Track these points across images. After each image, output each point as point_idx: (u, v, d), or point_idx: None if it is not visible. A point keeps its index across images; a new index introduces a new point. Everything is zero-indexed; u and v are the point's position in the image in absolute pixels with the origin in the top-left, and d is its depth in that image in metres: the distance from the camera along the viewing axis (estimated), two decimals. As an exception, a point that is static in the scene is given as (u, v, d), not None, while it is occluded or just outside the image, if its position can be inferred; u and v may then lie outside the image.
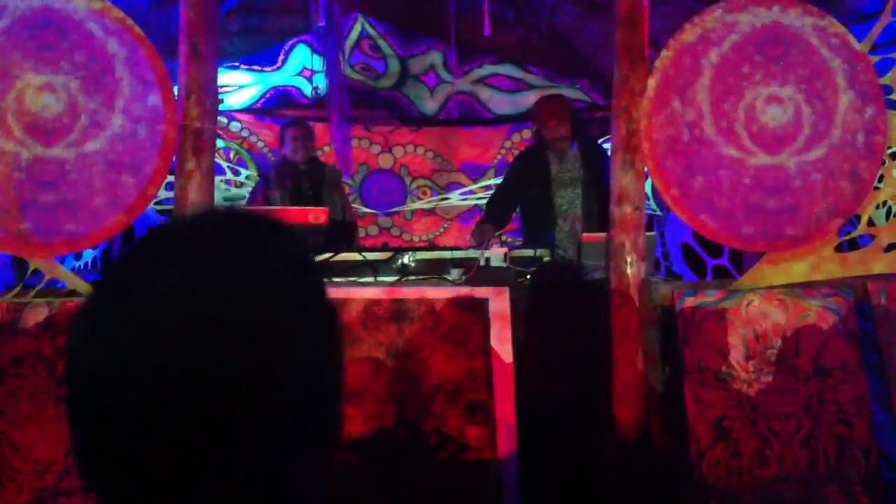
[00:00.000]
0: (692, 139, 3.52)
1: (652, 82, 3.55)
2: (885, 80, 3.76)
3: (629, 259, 3.52)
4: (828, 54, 3.63)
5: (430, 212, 7.38)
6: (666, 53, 3.58)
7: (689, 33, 3.58)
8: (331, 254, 3.75)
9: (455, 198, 7.37)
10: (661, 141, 3.51)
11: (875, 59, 3.79)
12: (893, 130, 3.75)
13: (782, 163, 3.58)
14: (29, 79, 3.26)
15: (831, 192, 3.60)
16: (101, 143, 3.34)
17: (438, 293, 3.47)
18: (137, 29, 3.47)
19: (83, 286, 3.25)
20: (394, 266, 3.81)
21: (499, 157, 7.45)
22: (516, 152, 7.37)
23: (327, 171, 5.46)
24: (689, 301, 3.50)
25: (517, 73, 7.41)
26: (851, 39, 3.69)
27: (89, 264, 5.69)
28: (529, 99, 7.44)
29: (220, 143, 6.61)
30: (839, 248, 3.75)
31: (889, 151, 3.79)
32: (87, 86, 3.34)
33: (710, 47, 3.57)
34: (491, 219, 5.13)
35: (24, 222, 3.20)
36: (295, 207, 4.40)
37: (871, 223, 3.83)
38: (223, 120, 6.84)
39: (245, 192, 6.82)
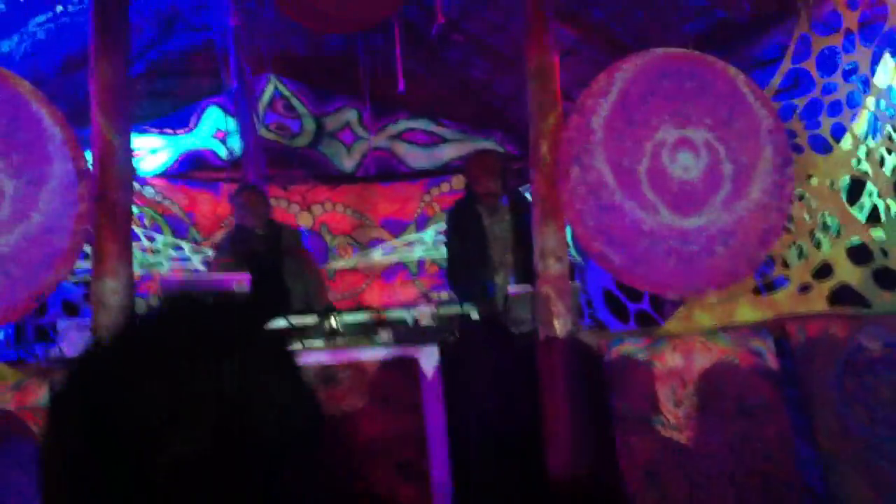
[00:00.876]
0: (599, 200, 3.59)
1: (560, 145, 3.64)
2: (788, 126, 3.92)
3: (555, 310, 3.55)
4: (751, 100, 3.76)
5: (353, 269, 7.33)
6: (568, 117, 3.68)
7: (585, 94, 3.68)
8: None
9: (377, 254, 7.34)
10: (575, 199, 3.58)
11: (778, 104, 3.94)
12: (798, 174, 3.90)
13: (698, 223, 3.67)
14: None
15: (746, 238, 3.70)
16: (18, 222, 3.24)
17: (367, 355, 3.44)
18: (46, 99, 3.40)
19: (4, 371, 3.14)
20: (322, 330, 3.77)
21: (419, 211, 7.47)
22: (435, 206, 7.42)
23: (284, 233, 5.35)
24: (616, 350, 3.54)
25: (432, 126, 7.49)
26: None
27: (2, 341, 5.48)
28: (445, 152, 7.51)
29: (134, 210, 6.46)
30: (756, 291, 3.86)
31: (796, 193, 3.93)
32: (6, 164, 3.25)
33: (599, 100, 3.66)
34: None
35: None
36: (218, 275, 4.31)
37: (785, 265, 3.96)
38: (136, 185, 6.71)
39: (161, 258, 6.67)
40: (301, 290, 4.96)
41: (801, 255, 4.07)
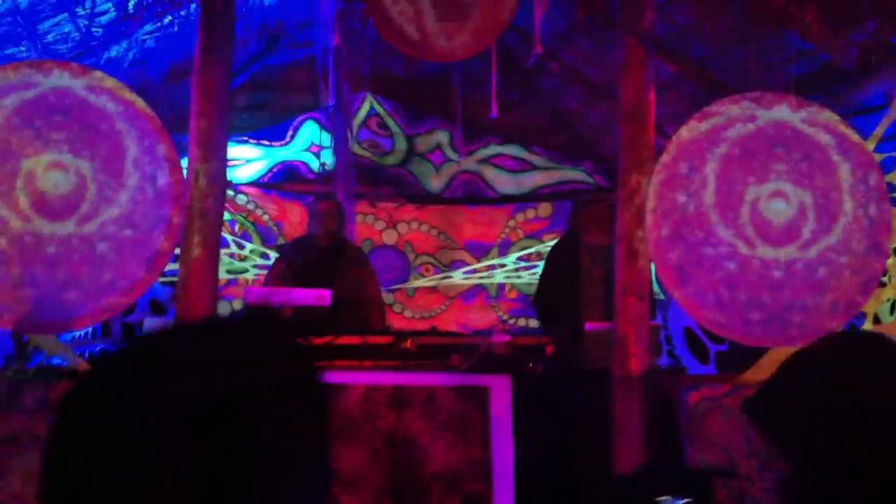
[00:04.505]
0: (695, 234, 3.53)
1: (655, 178, 3.58)
2: (889, 178, 3.80)
3: (632, 350, 3.50)
4: (836, 158, 3.66)
5: (433, 289, 7.35)
6: (668, 150, 3.62)
7: (688, 131, 3.62)
8: (331, 337, 3.73)
9: (458, 276, 7.35)
10: (665, 235, 3.52)
11: (881, 156, 3.83)
12: (897, 228, 3.77)
13: (787, 257, 3.58)
14: (38, 159, 3.29)
15: (837, 288, 3.59)
16: (107, 223, 3.36)
17: (439, 380, 3.44)
18: (148, 109, 3.52)
19: (84, 365, 3.24)
20: (395, 351, 3.78)
21: (502, 236, 7.46)
22: (519, 231, 7.39)
23: (347, 251, 5.38)
24: (693, 395, 3.47)
25: (522, 153, 7.48)
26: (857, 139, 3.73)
27: (90, 334, 5.66)
28: (533, 179, 7.50)
29: (225, 216, 6.62)
30: (844, 344, 3.73)
31: (893, 247, 3.80)
32: (98, 166, 3.37)
33: (713, 144, 3.61)
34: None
35: (26, 299, 3.20)
36: (299, 289, 4.35)
37: (876, 320, 3.82)
38: (230, 192, 6.86)
39: (248, 265, 6.82)
40: (352, 309, 4.86)
41: (893, 311, 3.93)
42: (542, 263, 6.59)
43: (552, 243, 6.21)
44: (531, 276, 7.11)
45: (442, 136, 7.32)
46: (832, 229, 3.63)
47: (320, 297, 3.75)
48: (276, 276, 5.11)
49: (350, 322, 4.53)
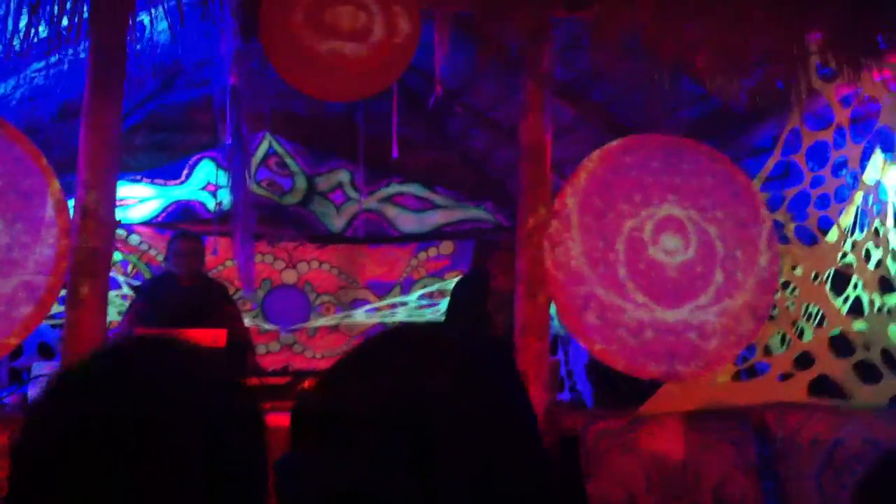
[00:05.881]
0: (576, 282, 3.58)
1: (543, 222, 3.64)
2: (776, 216, 3.93)
3: (532, 389, 3.50)
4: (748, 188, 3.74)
5: (334, 329, 7.26)
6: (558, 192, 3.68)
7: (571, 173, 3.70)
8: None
9: (360, 314, 7.29)
10: (556, 277, 3.56)
11: (767, 194, 3.96)
12: (784, 264, 3.89)
13: (681, 315, 3.65)
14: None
15: (731, 325, 3.68)
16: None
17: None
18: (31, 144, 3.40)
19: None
20: (293, 392, 3.70)
21: (405, 274, 7.45)
22: (422, 270, 7.40)
23: (213, 288, 5.27)
24: (593, 431, 3.49)
25: (424, 192, 7.50)
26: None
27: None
28: (435, 218, 7.52)
29: (118, 257, 6.41)
30: (737, 377, 3.83)
31: (780, 282, 3.92)
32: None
33: (578, 177, 3.67)
34: None
35: None
36: (192, 329, 4.20)
37: (767, 351, 3.93)
38: (122, 232, 6.66)
39: (141, 308, 6.60)
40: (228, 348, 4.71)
41: (783, 342, 4.05)
42: (444, 301, 6.61)
43: (454, 281, 6.23)
44: (434, 315, 7.11)
45: (343, 176, 7.30)
46: (743, 275, 3.71)
47: (216, 337, 3.65)
48: (135, 314, 4.94)
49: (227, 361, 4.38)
